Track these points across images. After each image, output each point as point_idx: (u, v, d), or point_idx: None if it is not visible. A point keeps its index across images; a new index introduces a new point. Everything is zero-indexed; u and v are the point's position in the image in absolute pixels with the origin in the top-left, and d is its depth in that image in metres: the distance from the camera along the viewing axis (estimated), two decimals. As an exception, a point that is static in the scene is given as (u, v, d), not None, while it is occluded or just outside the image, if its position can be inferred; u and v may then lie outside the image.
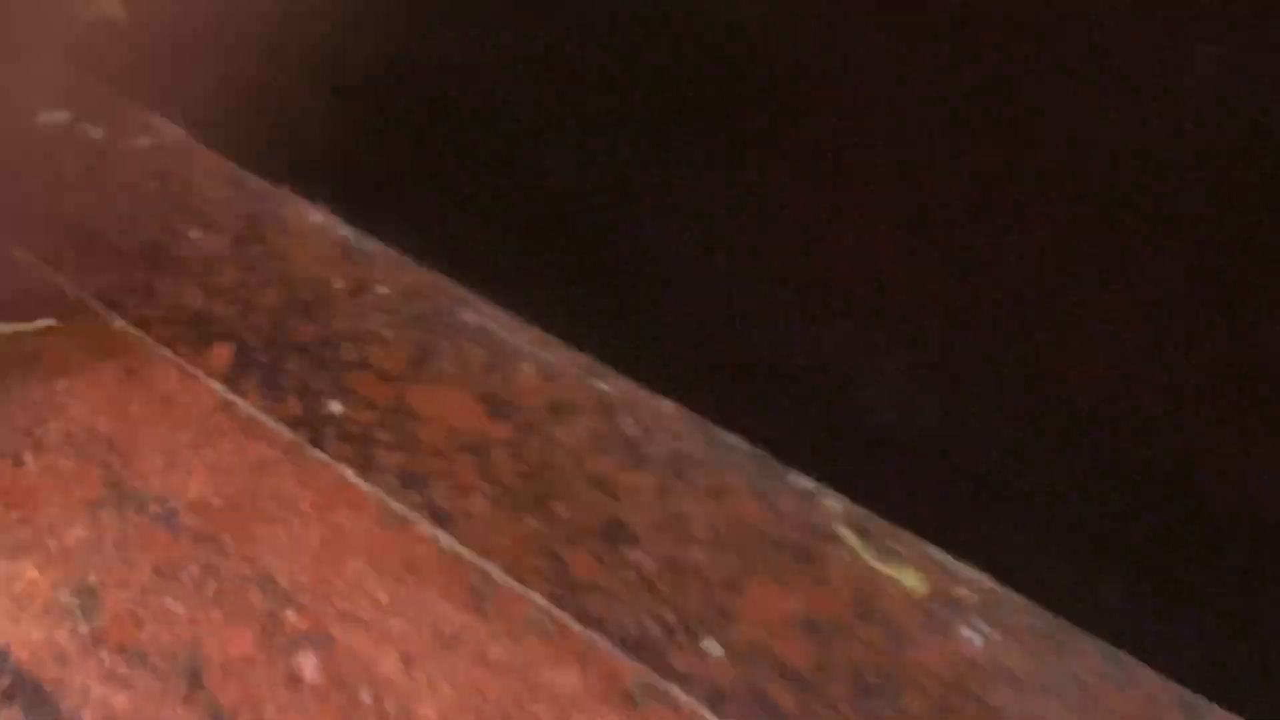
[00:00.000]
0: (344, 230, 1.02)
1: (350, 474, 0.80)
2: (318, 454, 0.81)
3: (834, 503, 0.84)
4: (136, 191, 0.94)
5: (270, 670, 0.68)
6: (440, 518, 0.78)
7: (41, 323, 0.87)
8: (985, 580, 0.81)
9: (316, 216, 1.03)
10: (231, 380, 0.86)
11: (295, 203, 1.04)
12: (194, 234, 0.98)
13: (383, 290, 0.96)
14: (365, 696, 0.69)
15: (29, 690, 0.66)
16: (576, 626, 0.73)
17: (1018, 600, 0.80)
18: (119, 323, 0.89)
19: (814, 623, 0.76)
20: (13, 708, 0.65)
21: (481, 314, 0.95)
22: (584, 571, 0.76)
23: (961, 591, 0.79)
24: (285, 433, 0.82)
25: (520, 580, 0.76)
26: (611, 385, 0.90)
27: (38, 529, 0.74)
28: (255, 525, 0.76)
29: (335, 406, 0.85)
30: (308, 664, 0.70)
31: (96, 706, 0.66)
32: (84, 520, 0.75)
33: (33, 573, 0.72)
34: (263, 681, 0.68)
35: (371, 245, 1.00)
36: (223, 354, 0.88)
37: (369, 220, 1.01)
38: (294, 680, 0.68)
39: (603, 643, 0.73)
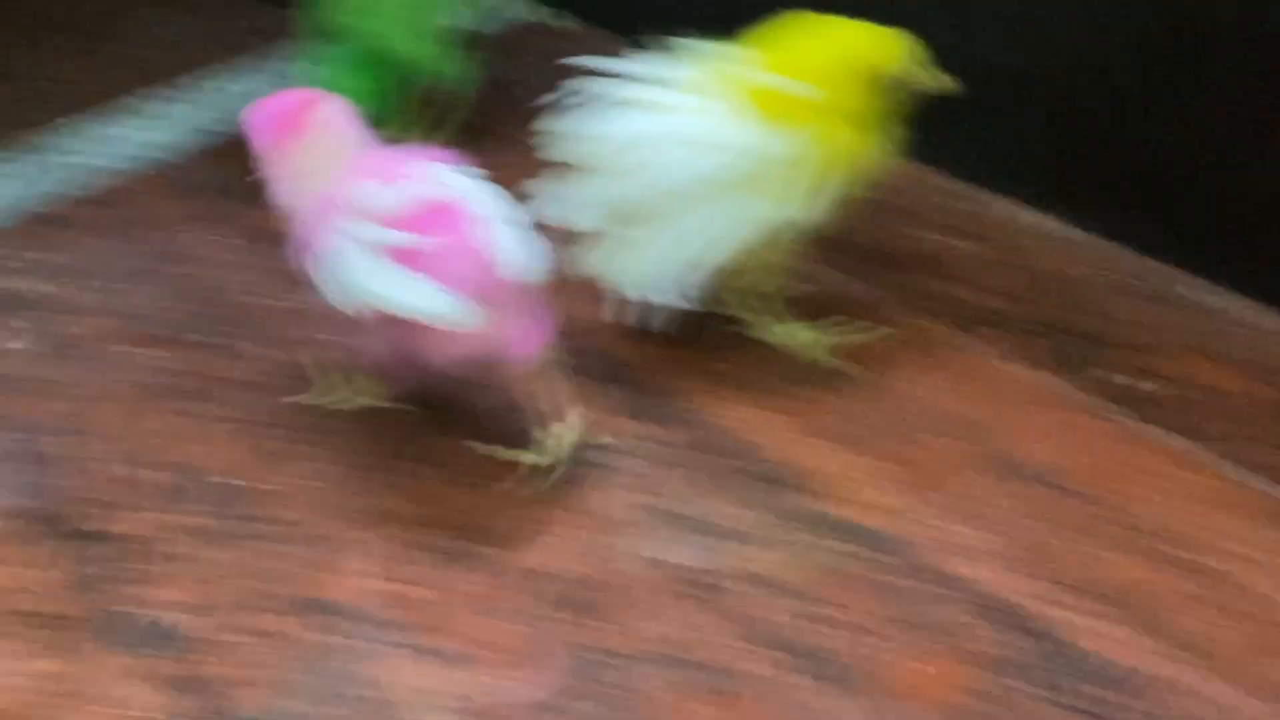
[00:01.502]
0: (1052, 225, 1.20)
1: (1180, 442, 0.99)
2: (1147, 427, 1.00)
3: None
4: (866, 204, 1.12)
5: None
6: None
7: (881, 330, 1.08)
8: None
9: (1027, 217, 1.21)
10: (1052, 366, 1.05)
11: (1004, 204, 1.23)
12: (936, 238, 1.17)
13: (1113, 277, 1.14)
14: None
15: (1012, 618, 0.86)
16: None
17: None
18: (932, 322, 1.09)
19: None
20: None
21: (1197, 290, 1.12)
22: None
23: None
24: (1112, 409, 1.01)
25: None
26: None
27: (952, 496, 0.95)
28: (1119, 484, 0.95)
29: (1146, 385, 1.03)
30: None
31: (1087, 635, 0.86)
32: (986, 485, 0.95)
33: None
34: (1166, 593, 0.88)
35: (1079, 235, 1.18)
36: (1032, 345, 1.07)
37: (1079, 217, 1.19)
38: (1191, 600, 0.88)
39: None
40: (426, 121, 1.31)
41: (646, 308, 1.02)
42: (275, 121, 0.96)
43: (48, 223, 1.25)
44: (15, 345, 1.12)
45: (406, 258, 0.87)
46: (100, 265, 1.20)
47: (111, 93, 1.38)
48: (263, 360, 1.09)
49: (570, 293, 1.04)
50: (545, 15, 1.48)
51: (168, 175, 1.30)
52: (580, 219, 0.99)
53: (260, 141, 0.96)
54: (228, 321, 1.13)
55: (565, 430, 0.97)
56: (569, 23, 1.46)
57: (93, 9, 1.31)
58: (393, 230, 0.88)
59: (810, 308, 1.09)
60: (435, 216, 0.89)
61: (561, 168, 0.99)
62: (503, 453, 0.98)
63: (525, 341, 0.94)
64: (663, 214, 0.99)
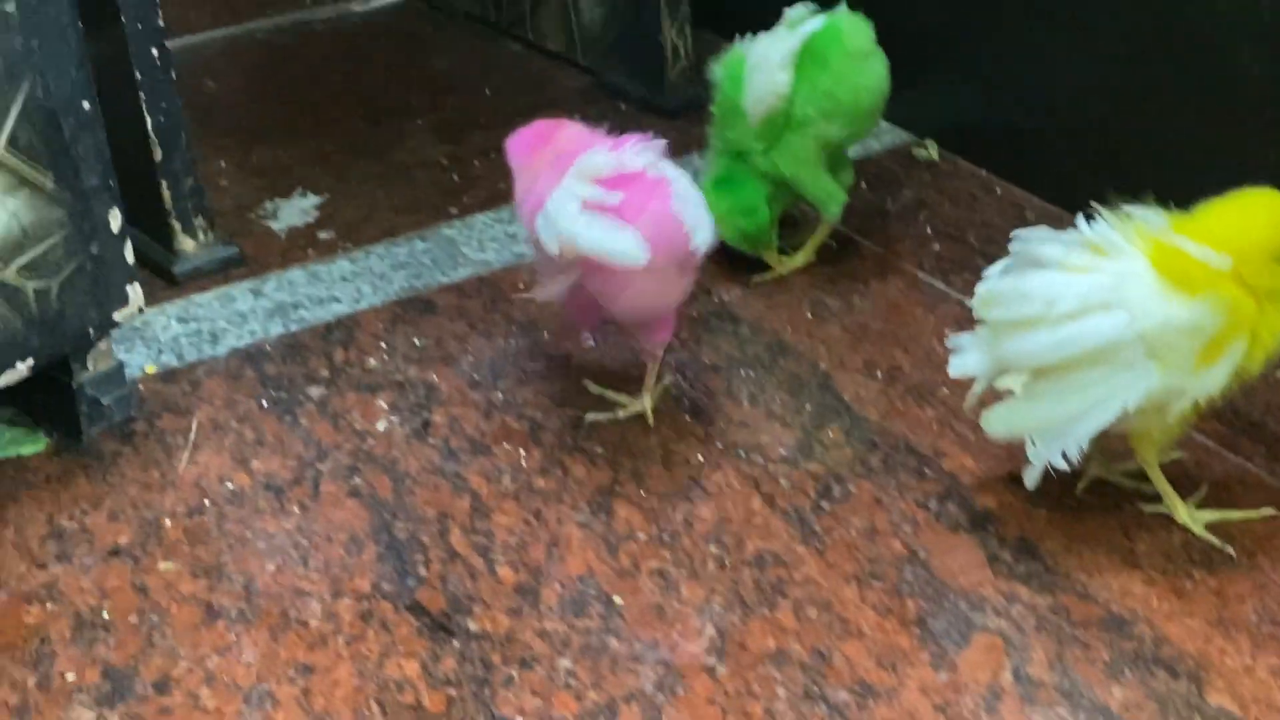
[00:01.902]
0: None
1: None
2: None
3: None
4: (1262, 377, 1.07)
5: None
6: None
7: (1265, 511, 1.03)
8: None
9: None
10: None
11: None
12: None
13: None
14: None
15: None
16: None
17: None
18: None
19: None
20: None
21: None
22: None
23: None
24: None
25: None
26: None
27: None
28: None
29: None
30: None
31: None
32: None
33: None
34: None
35: None
36: None
37: None
38: None
39: None
40: (793, 241, 1.33)
41: (1028, 462, 1.00)
42: (530, 137, 1.17)
43: (418, 307, 1.29)
44: (380, 426, 1.16)
45: (609, 211, 1.07)
46: (467, 354, 1.24)
47: (508, 195, 1.41)
48: (615, 465, 1.10)
49: (956, 437, 1.04)
50: (910, 144, 1.47)
51: (532, 274, 1.32)
52: (986, 372, 1.00)
53: (517, 155, 1.18)
54: (591, 427, 1.14)
55: (646, 396, 1.17)
56: (931, 152, 1.46)
57: (508, 108, 1.37)
58: (601, 188, 1.07)
59: (1188, 479, 1.05)
60: (639, 184, 1.08)
61: (976, 320, 0.99)
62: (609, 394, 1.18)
63: (666, 324, 1.14)
64: (1060, 371, 0.97)
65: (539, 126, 1.17)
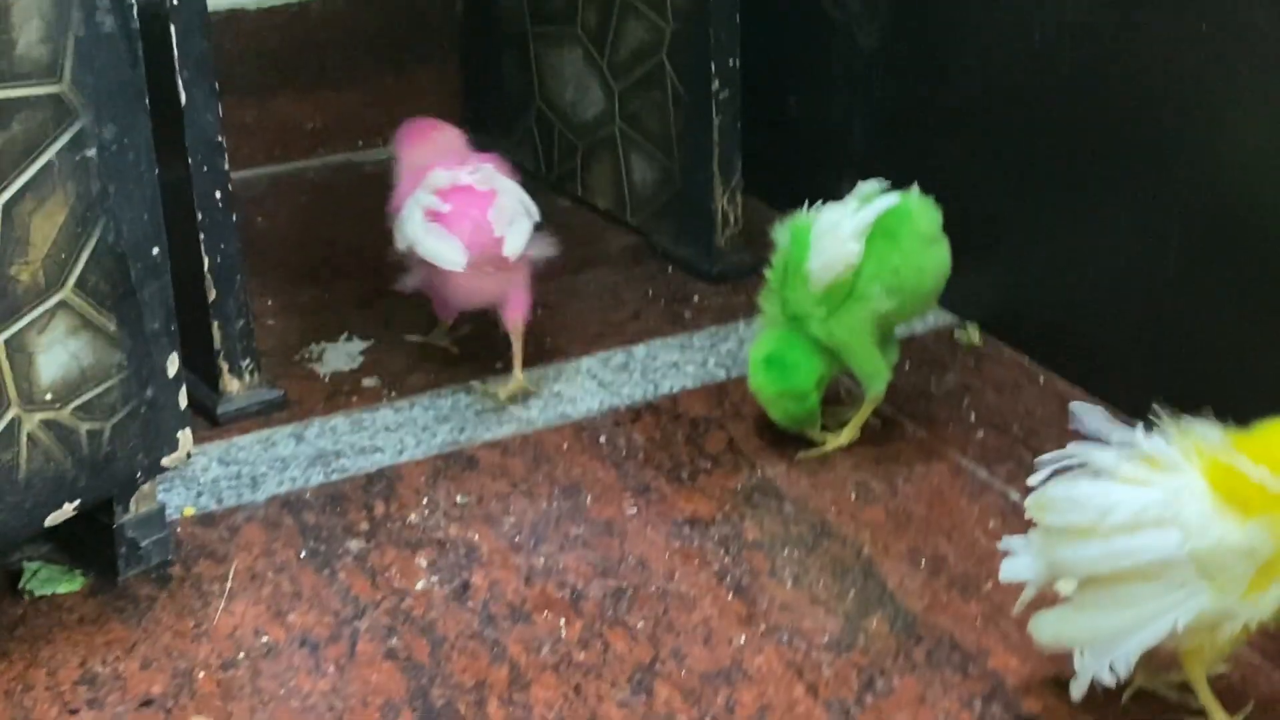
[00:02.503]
0: None
1: None
2: None
3: None
4: None
5: None
6: None
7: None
8: None
9: None
10: None
11: None
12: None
13: None
14: None
15: None
16: None
17: None
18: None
19: None
20: None
21: None
22: None
23: None
24: None
25: None
26: None
27: None
28: None
29: None
30: None
31: None
32: None
33: None
34: None
35: None
36: None
37: None
38: None
39: None
40: (837, 418, 1.33)
41: (1075, 671, 0.99)
42: (411, 131, 1.41)
43: (461, 463, 1.29)
44: (419, 585, 1.15)
45: (442, 220, 1.30)
46: (509, 514, 1.23)
47: (559, 352, 1.45)
48: (655, 642, 1.09)
49: (1001, 634, 1.04)
50: (954, 326, 1.49)
51: (587, 434, 1.33)
52: (1037, 577, 1.00)
53: (399, 145, 1.42)
54: (632, 599, 1.14)
55: (512, 382, 1.39)
56: (974, 337, 1.47)
57: (556, 263, 1.40)
58: (435, 198, 1.31)
59: (1235, 694, 1.03)
60: (467, 195, 1.31)
61: (1030, 525, 1.00)
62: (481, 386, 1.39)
63: (516, 306, 1.36)
64: (1112, 583, 0.96)
65: (420, 124, 1.43)
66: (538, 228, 1.35)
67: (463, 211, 1.30)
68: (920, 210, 1.27)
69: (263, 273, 1.57)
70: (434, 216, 1.31)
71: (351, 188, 1.79)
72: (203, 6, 1.25)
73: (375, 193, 1.67)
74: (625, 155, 1.69)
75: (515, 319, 1.36)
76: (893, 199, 1.27)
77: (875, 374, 1.29)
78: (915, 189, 1.28)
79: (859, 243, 1.24)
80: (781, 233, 1.29)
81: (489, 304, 1.36)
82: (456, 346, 1.46)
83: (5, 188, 1.04)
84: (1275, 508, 0.93)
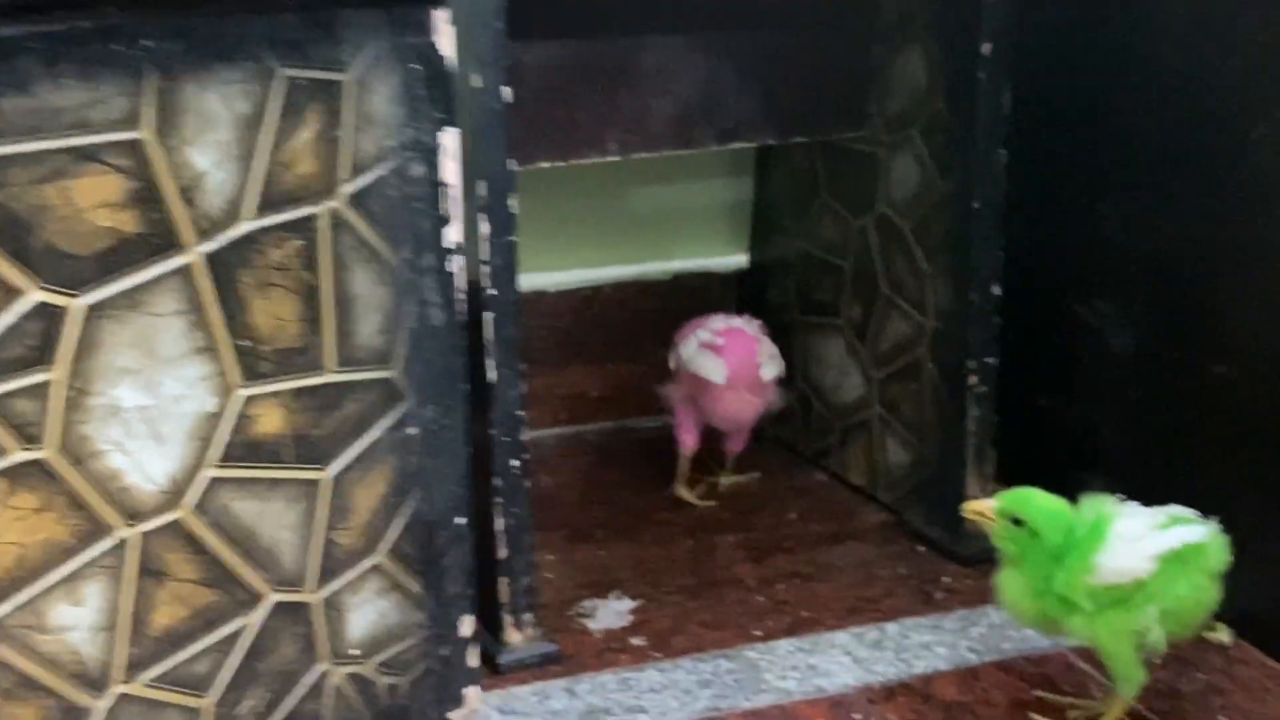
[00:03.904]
0: None
1: None
2: None
3: None
4: None
5: None
6: None
7: None
8: None
9: None
10: None
11: None
12: None
13: None
14: None
15: None
16: None
17: None
18: None
19: None
20: None
21: None
22: None
23: None
24: None
25: None
26: None
27: None
28: None
29: None
30: None
31: None
32: None
33: None
34: None
35: None
36: None
37: None
38: None
39: None
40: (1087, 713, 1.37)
41: None
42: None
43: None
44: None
45: (713, 349, 1.72)
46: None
47: (814, 623, 1.51)
48: None
49: None
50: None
51: (842, 710, 1.39)
52: None
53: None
54: None
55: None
56: (1224, 636, 1.49)
57: (811, 535, 1.49)
58: (713, 335, 1.73)
59: None
60: (737, 334, 1.73)
61: None
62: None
63: (744, 434, 1.80)
64: None
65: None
66: (780, 381, 1.76)
67: (731, 344, 1.71)
68: (1217, 549, 1.32)
69: (546, 529, 1.69)
70: (709, 346, 1.71)
71: (630, 451, 1.93)
72: (517, 296, 1.40)
73: (651, 457, 1.81)
74: (881, 438, 1.78)
75: (737, 449, 1.81)
76: (1200, 533, 1.31)
77: (1130, 680, 1.31)
78: (1216, 525, 1.32)
79: (1155, 564, 1.28)
80: (1085, 510, 1.32)
81: (735, 424, 1.77)
82: (702, 501, 1.79)
83: (335, 461, 1.18)
84: None
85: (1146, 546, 1.29)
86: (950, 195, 1.64)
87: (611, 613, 1.56)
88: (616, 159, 1.62)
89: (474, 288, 1.38)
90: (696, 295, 1.98)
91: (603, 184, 1.94)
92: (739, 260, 2.04)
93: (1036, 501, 1.33)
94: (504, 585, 1.44)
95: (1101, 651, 1.31)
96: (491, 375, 1.40)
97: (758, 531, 1.73)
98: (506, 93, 1.35)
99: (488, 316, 1.38)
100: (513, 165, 1.38)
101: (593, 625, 1.53)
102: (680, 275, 2.01)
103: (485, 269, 1.38)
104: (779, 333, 1.83)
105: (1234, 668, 1.45)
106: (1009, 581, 1.33)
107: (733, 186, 2.02)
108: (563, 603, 1.57)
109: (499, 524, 1.43)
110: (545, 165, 1.57)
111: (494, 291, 1.39)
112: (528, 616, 1.46)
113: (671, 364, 1.77)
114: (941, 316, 1.67)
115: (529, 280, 1.86)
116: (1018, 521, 1.31)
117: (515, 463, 1.43)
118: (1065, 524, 1.31)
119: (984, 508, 1.33)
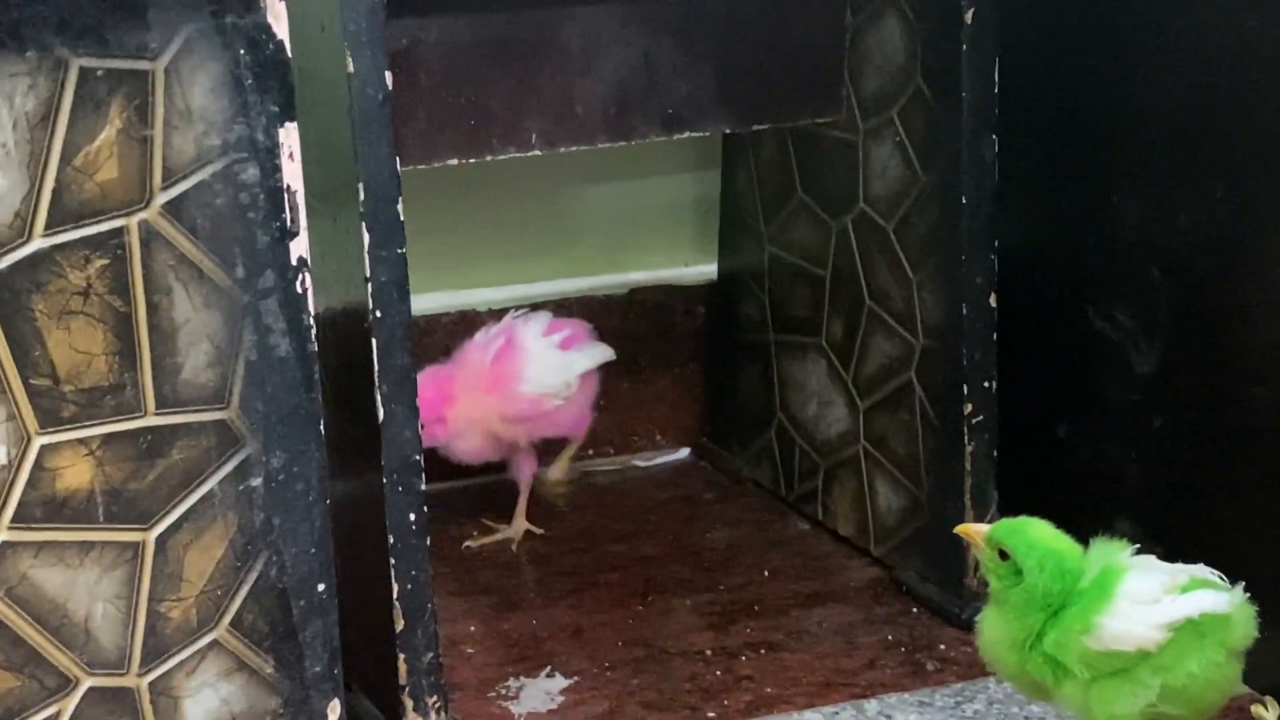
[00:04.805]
0: None
1: None
2: None
3: None
4: None
5: None
6: None
7: None
8: None
9: None
10: None
11: None
12: None
13: None
14: None
15: None
16: None
17: None
18: None
19: None
20: None
21: None
22: None
23: None
24: None
25: None
26: None
27: None
28: None
29: None
30: None
31: None
32: None
33: None
34: None
35: None
36: None
37: None
38: None
39: None
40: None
41: None
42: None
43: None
44: None
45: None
46: None
47: (779, 701, 1.30)
48: None
49: None
50: (1249, 699, 1.27)
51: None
52: None
53: None
54: None
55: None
56: (1273, 713, 1.25)
57: (785, 595, 1.29)
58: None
59: None
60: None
61: None
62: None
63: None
64: None
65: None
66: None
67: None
68: (1241, 621, 1.11)
69: (471, 594, 1.48)
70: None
71: (580, 498, 1.70)
72: (407, 319, 1.19)
73: (603, 505, 1.59)
74: (870, 479, 1.55)
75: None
76: (1222, 602, 1.10)
77: None
78: (1240, 590, 1.12)
79: (1163, 634, 1.08)
80: (1094, 554, 1.12)
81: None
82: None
83: (160, 519, 0.99)
84: None
85: (1158, 612, 1.09)
86: (935, 188, 1.41)
87: (539, 693, 1.33)
88: (540, 153, 1.38)
89: (357, 311, 1.17)
90: (659, 320, 1.74)
91: (540, 184, 1.70)
92: (707, 271, 1.78)
93: (1029, 534, 1.12)
94: (402, 662, 1.22)
95: None
96: (380, 413, 1.19)
97: (723, 592, 1.50)
98: (388, 78, 1.15)
99: (373, 343, 1.18)
100: (400, 164, 1.17)
101: (515, 709, 1.31)
102: (638, 290, 1.76)
103: (369, 287, 1.17)
104: (752, 356, 1.61)
105: (1284, 751, 1.22)
106: (990, 623, 1.13)
107: (699, 183, 1.77)
108: (482, 682, 1.34)
109: (395, 590, 1.21)
110: (454, 163, 1.35)
111: (378, 313, 1.18)
112: (433, 700, 1.23)
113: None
114: (931, 333, 1.44)
115: (450, 299, 1.67)
116: (1005, 554, 1.11)
117: (413, 517, 1.21)
118: (1060, 568, 1.10)
119: (976, 532, 1.13)
